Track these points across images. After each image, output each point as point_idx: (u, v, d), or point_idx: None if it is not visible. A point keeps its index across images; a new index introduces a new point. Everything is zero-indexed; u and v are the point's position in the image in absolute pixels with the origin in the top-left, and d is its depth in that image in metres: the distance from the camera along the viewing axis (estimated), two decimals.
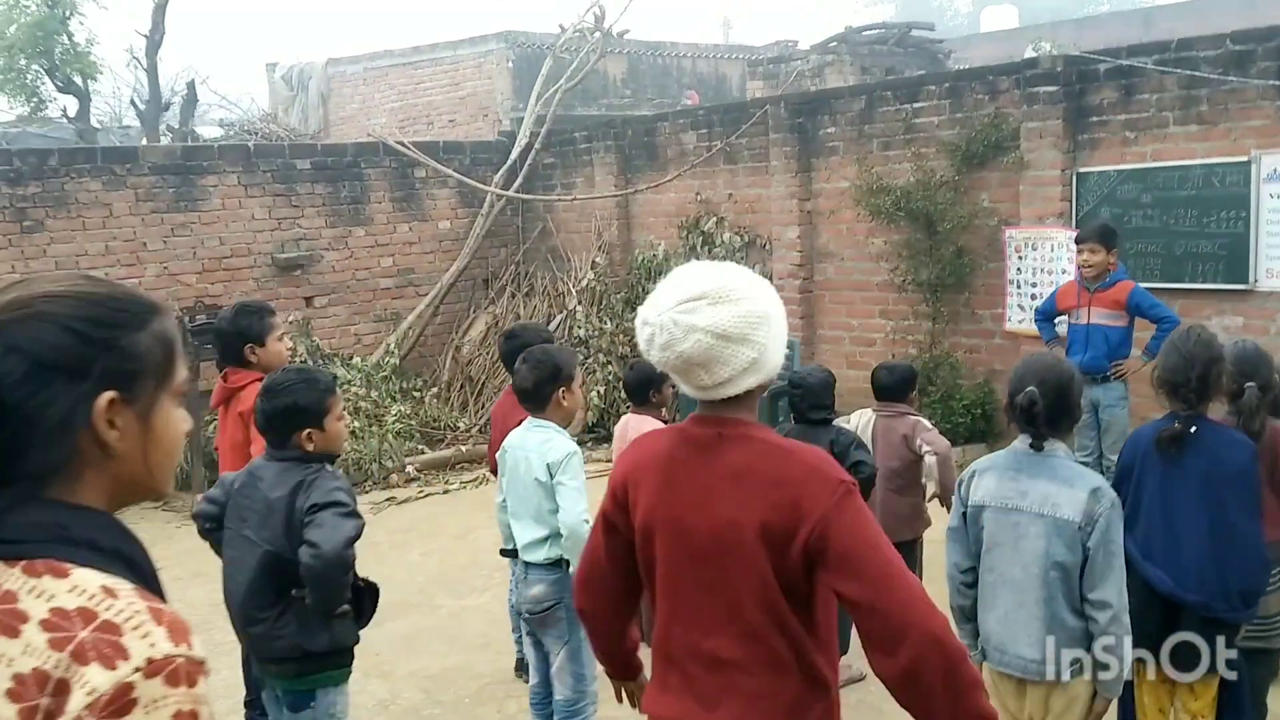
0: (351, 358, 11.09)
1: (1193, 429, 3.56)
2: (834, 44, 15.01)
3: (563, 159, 12.33)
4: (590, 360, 10.59)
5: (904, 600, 1.99)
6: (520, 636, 5.31)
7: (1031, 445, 3.19)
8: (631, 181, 11.51)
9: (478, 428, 10.77)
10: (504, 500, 4.34)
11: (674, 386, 5.42)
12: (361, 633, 3.40)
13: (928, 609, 2.00)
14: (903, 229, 8.85)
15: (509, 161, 12.29)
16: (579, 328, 10.90)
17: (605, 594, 2.45)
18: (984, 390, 8.64)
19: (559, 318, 11.36)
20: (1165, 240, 7.54)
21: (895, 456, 5.20)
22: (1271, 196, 7.07)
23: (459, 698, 5.21)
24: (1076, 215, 7.96)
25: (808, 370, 5.15)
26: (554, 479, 3.95)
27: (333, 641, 3.27)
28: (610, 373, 10.49)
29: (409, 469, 9.60)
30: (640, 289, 10.94)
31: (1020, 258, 8.24)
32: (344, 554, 3.10)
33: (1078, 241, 6.72)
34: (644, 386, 5.29)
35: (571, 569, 4.08)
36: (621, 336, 10.53)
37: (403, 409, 10.51)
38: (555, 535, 4.02)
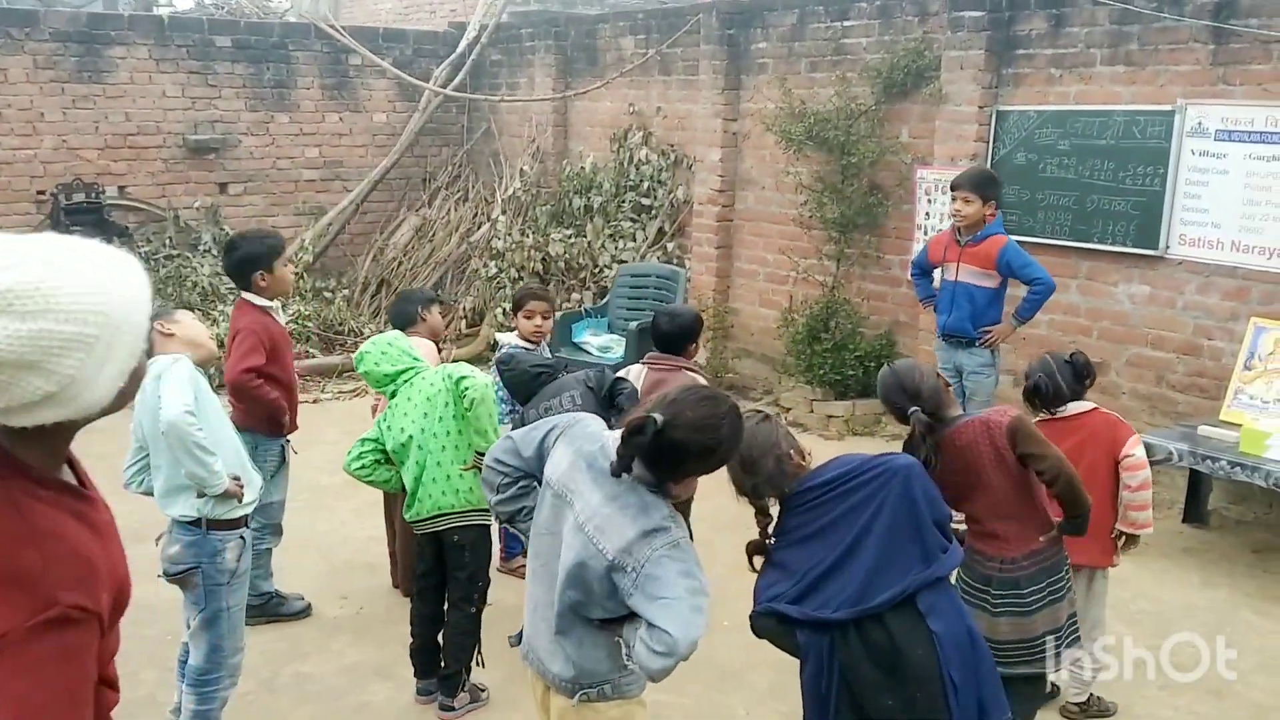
0: None
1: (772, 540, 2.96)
2: None
3: (509, 57, 11.59)
4: (501, 274, 10.02)
5: None
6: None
7: (613, 466, 2.51)
8: (571, 85, 10.78)
9: None
10: None
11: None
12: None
13: None
14: (813, 160, 8.10)
15: (454, 55, 11.58)
16: (498, 239, 10.30)
17: None
18: (884, 342, 7.97)
19: (484, 227, 10.78)
20: (1079, 194, 6.75)
21: None
22: (1193, 153, 6.26)
23: (164, 631, 4.78)
24: (992, 158, 7.17)
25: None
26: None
27: None
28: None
29: None
30: (567, 203, 10.31)
31: (930, 201, 7.49)
32: None
33: (952, 188, 6.00)
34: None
35: (214, 534, 3.60)
36: (533, 253, 9.92)
37: (304, 309, 10.05)
38: (191, 487, 3.54)
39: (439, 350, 5.05)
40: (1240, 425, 5.62)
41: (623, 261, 9.52)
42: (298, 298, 10.17)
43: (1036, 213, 6.96)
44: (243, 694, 4.30)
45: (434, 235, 11.23)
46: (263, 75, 10.80)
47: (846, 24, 8.10)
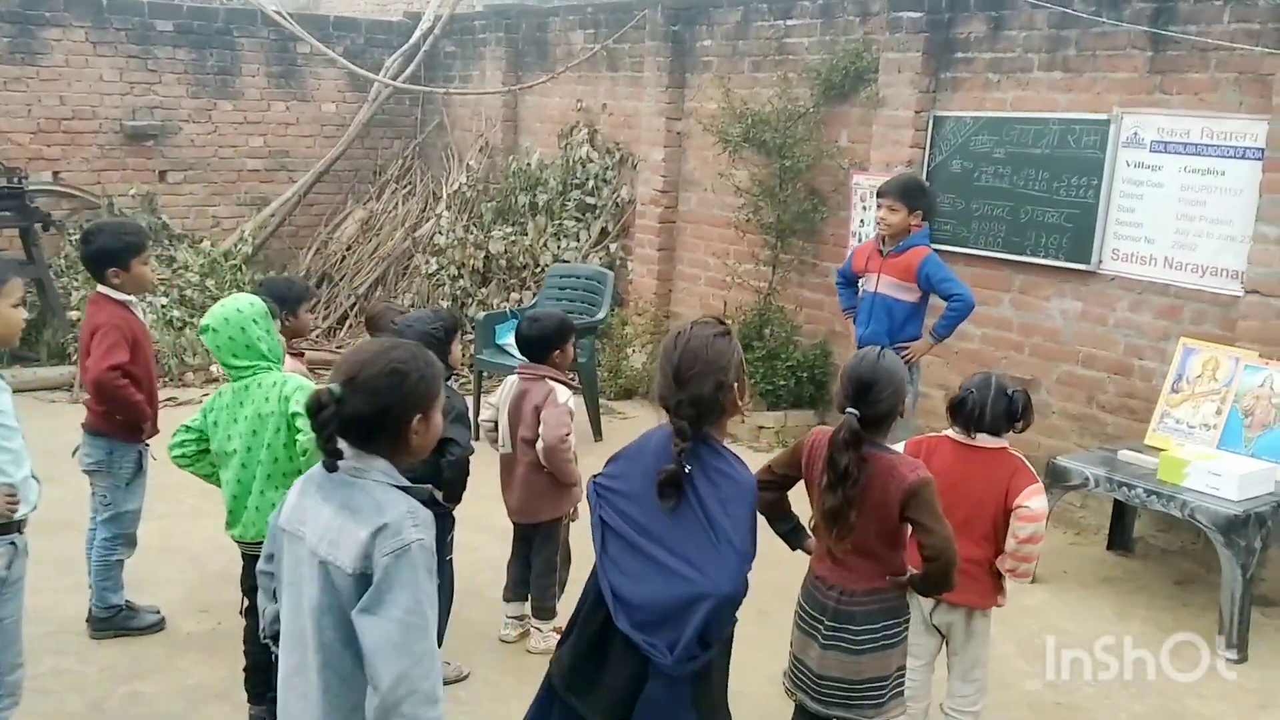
0: (201, 241, 10.34)
1: (687, 469, 2.69)
2: None
3: (462, 49, 11.33)
4: (441, 272, 9.75)
5: None
6: (97, 582, 4.62)
7: (324, 462, 2.30)
8: (521, 79, 10.51)
9: (321, 332, 10.03)
10: None
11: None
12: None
13: None
14: (752, 162, 7.84)
15: (406, 45, 11.29)
16: (441, 235, 10.03)
17: None
18: (820, 352, 7.71)
19: (430, 222, 10.50)
20: (1013, 204, 6.49)
21: (530, 427, 4.36)
22: (1128, 165, 6.00)
23: None
24: (928, 165, 6.92)
25: (414, 318, 4.24)
26: None
27: None
28: (460, 288, 9.65)
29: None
30: (513, 199, 10.03)
31: (865, 208, 7.22)
32: None
33: (878, 194, 5.75)
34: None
35: None
36: (474, 250, 9.64)
37: None
38: None
39: (301, 355, 4.72)
40: (1165, 450, 5.36)
41: (565, 261, 9.25)
42: (233, 289, 9.89)
43: (971, 223, 6.70)
44: (69, 715, 4.06)
45: (380, 229, 10.96)
46: (206, 61, 10.53)
47: (789, 23, 7.84)
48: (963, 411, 3.72)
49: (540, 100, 10.35)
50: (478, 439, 4.58)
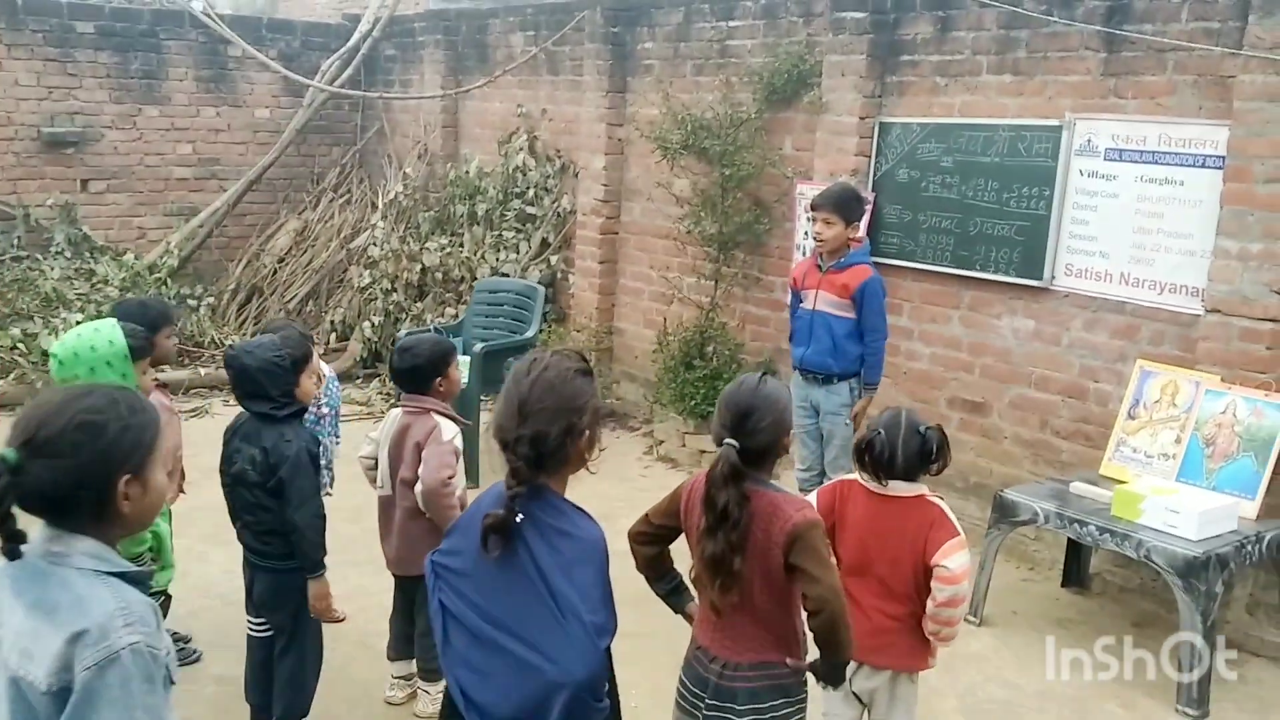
0: (125, 253, 9.83)
1: (519, 517, 2.29)
2: None
3: (402, 52, 10.86)
4: (374, 285, 9.28)
5: None
6: None
7: (3, 548, 1.81)
8: (461, 84, 10.06)
9: None
10: None
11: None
12: None
13: None
14: (693, 171, 7.42)
15: (344, 49, 10.81)
16: (375, 246, 9.55)
17: None
18: (765, 371, 7.26)
19: (365, 233, 10.02)
20: (962, 216, 6.09)
21: (411, 467, 3.90)
22: (1081, 174, 5.61)
23: None
24: (874, 174, 6.51)
25: (254, 344, 3.76)
26: None
27: None
28: (392, 302, 9.17)
29: None
30: (451, 210, 9.57)
31: (810, 219, 6.79)
32: None
33: (812, 208, 5.37)
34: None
35: None
36: (408, 263, 9.17)
37: None
38: None
39: (164, 388, 4.25)
40: (1122, 481, 4.96)
41: (505, 274, 8.80)
42: None
43: (918, 235, 6.30)
44: None
45: (315, 240, 10.48)
46: (130, 65, 10.02)
47: (732, 24, 7.42)
48: (872, 454, 3.29)
49: (481, 105, 9.90)
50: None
